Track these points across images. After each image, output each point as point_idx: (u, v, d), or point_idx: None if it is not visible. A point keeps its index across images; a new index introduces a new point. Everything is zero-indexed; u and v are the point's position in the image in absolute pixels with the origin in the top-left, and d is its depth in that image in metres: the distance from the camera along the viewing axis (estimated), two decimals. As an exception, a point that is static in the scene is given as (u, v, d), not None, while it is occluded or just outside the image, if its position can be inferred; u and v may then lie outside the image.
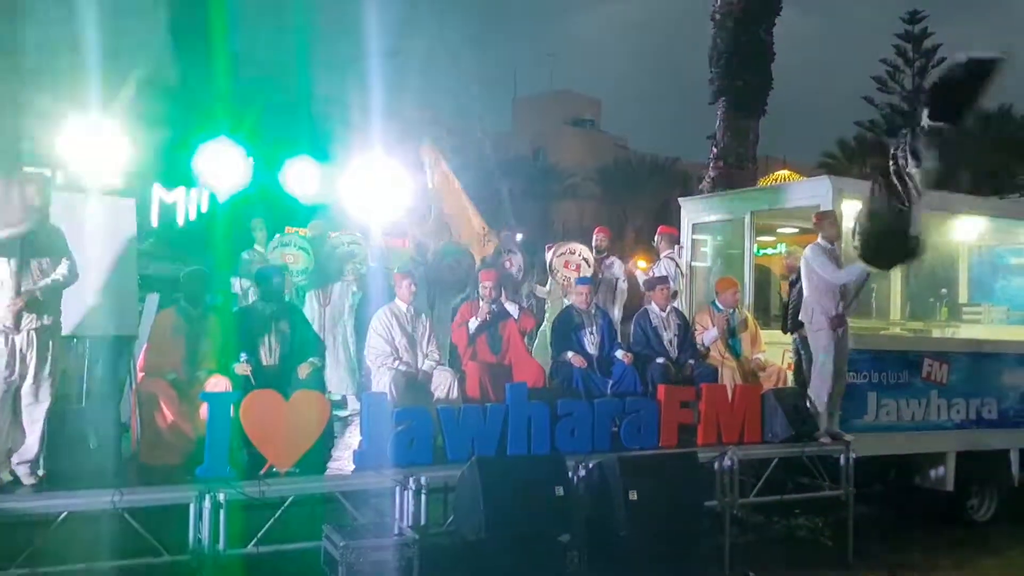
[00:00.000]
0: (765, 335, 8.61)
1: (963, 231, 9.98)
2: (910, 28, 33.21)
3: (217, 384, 5.74)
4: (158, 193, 9.14)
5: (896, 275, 10.06)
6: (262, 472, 5.37)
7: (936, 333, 9.84)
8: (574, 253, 9.05)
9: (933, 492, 8.51)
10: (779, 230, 10.28)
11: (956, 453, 8.40)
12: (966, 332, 9.76)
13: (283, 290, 6.89)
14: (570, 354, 7.43)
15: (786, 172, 15.99)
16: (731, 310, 8.24)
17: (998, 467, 8.80)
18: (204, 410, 5.41)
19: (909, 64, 33.23)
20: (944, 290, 10.40)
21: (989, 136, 26.85)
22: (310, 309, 8.48)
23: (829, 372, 7.36)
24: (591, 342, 7.60)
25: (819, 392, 7.40)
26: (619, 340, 7.94)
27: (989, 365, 8.81)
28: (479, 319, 7.34)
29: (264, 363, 6.19)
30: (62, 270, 5.09)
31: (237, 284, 7.83)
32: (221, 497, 5.01)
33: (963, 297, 10.45)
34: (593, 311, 7.78)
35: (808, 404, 7.44)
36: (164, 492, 5.08)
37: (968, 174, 24.34)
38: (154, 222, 8.96)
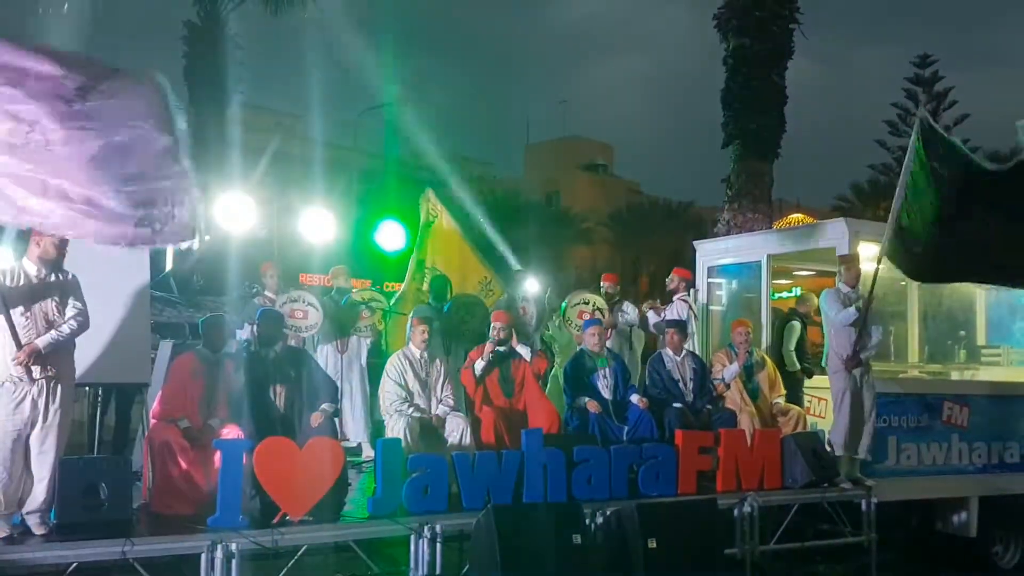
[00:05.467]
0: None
1: (980, 272, 9.89)
2: (920, 72, 33.46)
3: (230, 433, 5.70)
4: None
5: (914, 317, 9.99)
6: (275, 521, 5.31)
7: (955, 376, 9.74)
8: (588, 303, 9.00)
9: (956, 538, 8.34)
10: (795, 273, 10.24)
11: (979, 498, 8.24)
12: (985, 374, 9.65)
13: (283, 332, 6.83)
14: (585, 399, 7.35)
15: (800, 215, 15.97)
16: (747, 351, 8.17)
17: (1023, 512, 8.62)
18: (217, 458, 5.37)
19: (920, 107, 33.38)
20: (962, 332, 10.31)
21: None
22: (324, 354, 8.46)
23: (847, 414, 7.29)
24: (605, 386, 7.52)
25: (838, 434, 7.34)
26: (634, 384, 7.87)
27: (1010, 408, 8.69)
28: (484, 359, 7.29)
29: (272, 409, 6.14)
30: (70, 321, 5.05)
31: (248, 330, 7.82)
32: (233, 547, 4.94)
33: (981, 339, 10.35)
34: (605, 354, 7.71)
35: (828, 448, 7.35)
36: (175, 542, 5.01)
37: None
38: (168, 266, 9.00)
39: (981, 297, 10.44)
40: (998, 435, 8.53)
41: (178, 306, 7.35)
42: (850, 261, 7.67)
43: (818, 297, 8.43)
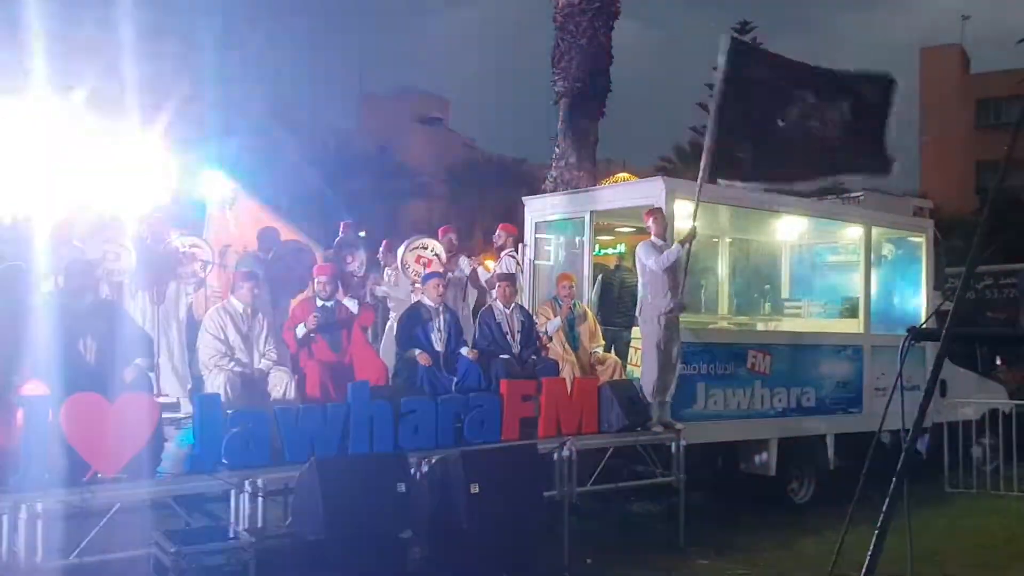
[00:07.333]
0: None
1: (785, 230, 10.65)
2: (741, 37, 35.06)
3: (35, 389, 5.38)
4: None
5: (724, 272, 10.64)
6: (85, 479, 5.09)
7: (760, 326, 10.45)
8: (426, 248, 8.99)
9: (758, 477, 9.04)
10: (617, 229, 10.64)
11: (778, 440, 8.95)
12: (787, 325, 10.41)
13: (94, 284, 6.51)
14: (416, 352, 7.41)
15: (625, 175, 16.53)
16: (572, 303, 8.46)
17: (816, 452, 9.43)
18: (20, 416, 5.07)
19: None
20: (767, 286, 11.06)
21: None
22: (142, 307, 8.07)
23: (656, 361, 7.70)
24: (438, 339, 7.60)
25: (647, 381, 7.76)
26: (465, 338, 7.99)
27: (808, 356, 9.45)
28: (307, 327, 7.14)
29: (82, 363, 5.84)
30: None
31: (55, 281, 7.33)
32: (39, 507, 4.73)
33: (785, 293, 11.14)
34: (440, 308, 7.78)
35: (641, 394, 7.76)
36: (-28, 505, 4.73)
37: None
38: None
39: (786, 254, 11.23)
40: (796, 381, 9.27)
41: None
42: (657, 214, 7.92)
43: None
